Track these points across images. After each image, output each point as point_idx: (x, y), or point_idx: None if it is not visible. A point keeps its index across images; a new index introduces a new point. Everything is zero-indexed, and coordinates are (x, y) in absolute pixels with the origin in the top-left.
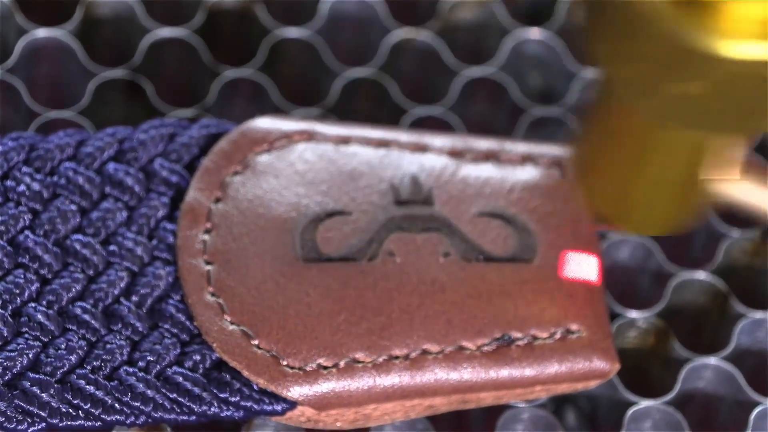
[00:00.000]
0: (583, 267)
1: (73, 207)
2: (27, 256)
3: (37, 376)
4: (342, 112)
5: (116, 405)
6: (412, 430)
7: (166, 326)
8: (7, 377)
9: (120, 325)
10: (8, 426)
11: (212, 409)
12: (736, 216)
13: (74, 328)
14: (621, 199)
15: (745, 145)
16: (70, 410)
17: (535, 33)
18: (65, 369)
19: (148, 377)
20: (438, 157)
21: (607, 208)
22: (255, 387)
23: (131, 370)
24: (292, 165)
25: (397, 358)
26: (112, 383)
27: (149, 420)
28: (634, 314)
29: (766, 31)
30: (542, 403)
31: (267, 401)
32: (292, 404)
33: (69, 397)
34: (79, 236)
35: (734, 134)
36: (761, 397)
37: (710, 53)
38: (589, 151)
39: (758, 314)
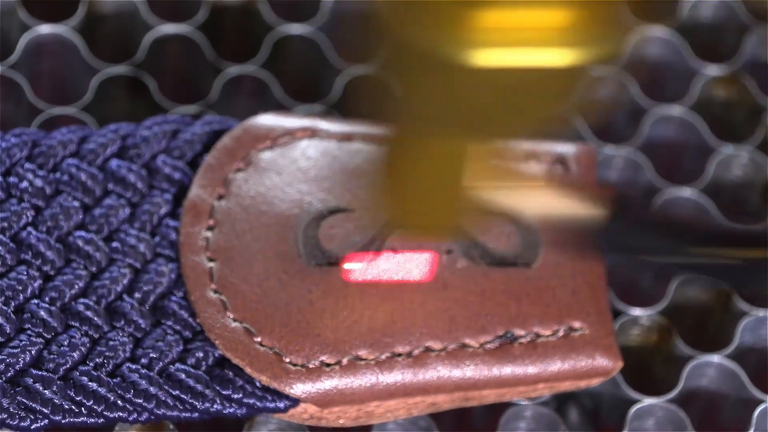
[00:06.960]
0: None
1: (76, 203)
2: (29, 253)
3: (39, 373)
4: (345, 109)
5: (119, 402)
6: (415, 428)
7: (169, 323)
8: (9, 374)
9: (123, 322)
10: (11, 423)
11: (215, 406)
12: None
13: (77, 324)
14: (406, 205)
15: (507, 153)
16: (73, 407)
17: None
18: (68, 366)
19: (151, 374)
20: None
21: (402, 215)
22: (258, 384)
23: (134, 367)
24: (295, 162)
25: (399, 355)
26: (114, 380)
27: (152, 417)
28: (637, 312)
29: (507, 38)
30: (545, 401)
31: (270, 398)
32: (295, 401)
33: (72, 394)
34: (82, 233)
35: (489, 140)
36: (764, 395)
37: (452, 62)
38: (388, 162)
39: (761, 312)
